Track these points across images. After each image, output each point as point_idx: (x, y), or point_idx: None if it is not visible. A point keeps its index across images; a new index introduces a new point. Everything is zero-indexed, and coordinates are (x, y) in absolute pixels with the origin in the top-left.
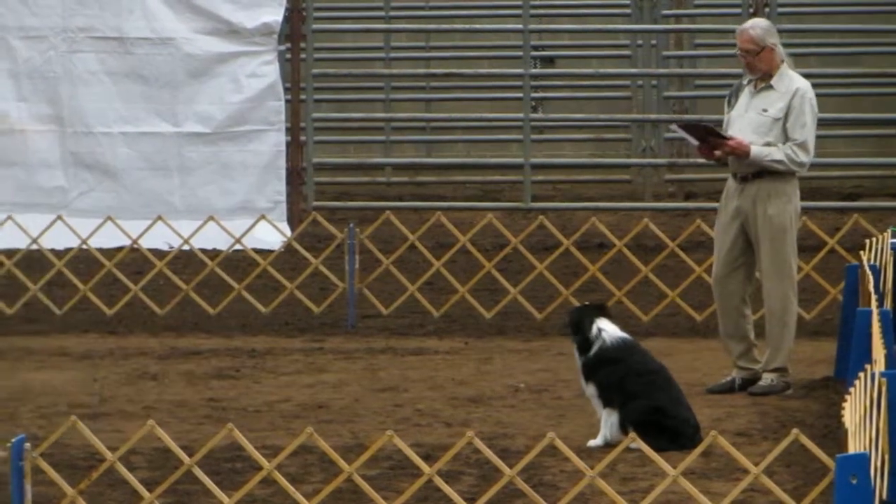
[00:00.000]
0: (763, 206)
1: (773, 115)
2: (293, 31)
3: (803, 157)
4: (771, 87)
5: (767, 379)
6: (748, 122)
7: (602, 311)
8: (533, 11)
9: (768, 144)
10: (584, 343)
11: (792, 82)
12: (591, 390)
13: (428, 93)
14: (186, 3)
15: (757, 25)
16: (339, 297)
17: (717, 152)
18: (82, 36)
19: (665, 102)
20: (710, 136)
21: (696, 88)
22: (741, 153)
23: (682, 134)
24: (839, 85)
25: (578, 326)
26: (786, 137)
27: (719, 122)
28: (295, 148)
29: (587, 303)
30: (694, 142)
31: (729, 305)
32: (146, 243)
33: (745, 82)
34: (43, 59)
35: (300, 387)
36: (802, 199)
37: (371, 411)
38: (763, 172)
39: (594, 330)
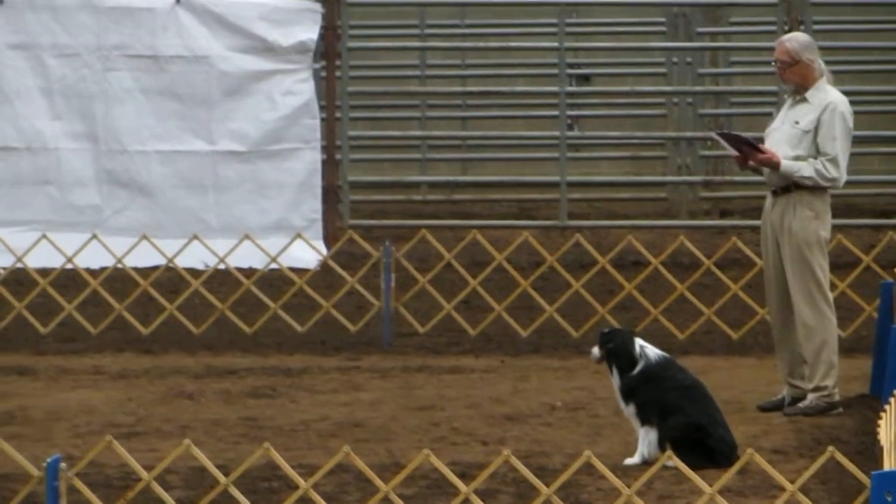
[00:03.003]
0: (788, 220)
1: (803, 127)
2: (328, 48)
3: (833, 172)
4: (805, 99)
5: (810, 398)
6: (782, 133)
7: (634, 333)
8: (569, 29)
9: (799, 157)
10: (628, 363)
11: (826, 96)
12: (630, 410)
13: (464, 111)
14: (221, 20)
15: (795, 39)
16: (375, 315)
17: (751, 162)
18: (116, 54)
19: (701, 120)
20: (746, 147)
21: (731, 106)
22: (772, 165)
23: (720, 142)
24: (874, 102)
25: (622, 347)
26: (817, 151)
27: (757, 138)
28: (330, 166)
29: (617, 326)
30: (731, 150)
31: (777, 321)
32: (181, 262)
33: (786, 95)
34: (77, 77)
35: (336, 405)
36: (837, 216)
37: (407, 430)
38: (793, 186)
39: (637, 349)
